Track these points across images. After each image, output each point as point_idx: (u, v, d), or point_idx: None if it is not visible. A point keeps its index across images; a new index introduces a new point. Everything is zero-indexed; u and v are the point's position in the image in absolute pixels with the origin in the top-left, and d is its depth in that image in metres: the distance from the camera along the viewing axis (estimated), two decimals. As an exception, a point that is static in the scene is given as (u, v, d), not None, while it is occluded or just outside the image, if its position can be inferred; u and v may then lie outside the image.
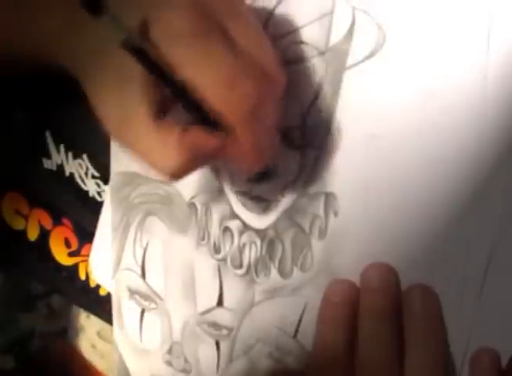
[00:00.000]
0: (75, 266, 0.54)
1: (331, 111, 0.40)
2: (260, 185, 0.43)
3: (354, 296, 0.38)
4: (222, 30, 0.34)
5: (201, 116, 0.35)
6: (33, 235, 0.56)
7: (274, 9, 0.41)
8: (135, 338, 0.51)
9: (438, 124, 0.36)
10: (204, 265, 0.46)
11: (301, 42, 0.40)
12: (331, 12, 0.39)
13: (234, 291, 0.45)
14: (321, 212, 0.41)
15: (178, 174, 0.37)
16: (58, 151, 0.54)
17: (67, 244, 0.54)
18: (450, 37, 0.36)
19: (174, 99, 0.36)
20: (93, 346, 0.56)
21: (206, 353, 0.47)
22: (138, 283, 0.49)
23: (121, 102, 0.35)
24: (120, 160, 0.49)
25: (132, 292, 0.50)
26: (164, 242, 0.48)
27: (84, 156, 0.53)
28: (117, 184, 0.50)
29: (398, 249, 0.38)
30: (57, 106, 0.52)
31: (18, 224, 0.56)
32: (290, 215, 0.42)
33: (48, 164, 0.54)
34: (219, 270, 0.45)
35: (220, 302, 0.45)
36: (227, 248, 0.45)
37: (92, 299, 0.53)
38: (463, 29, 0.36)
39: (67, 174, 0.54)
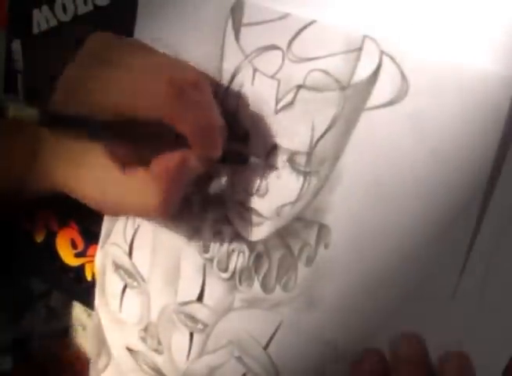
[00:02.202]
0: (81, 267, 0.55)
1: (340, 147, 0.40)
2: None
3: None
4: None
5: (149, 139, 0.37)
6: (39, 236, 0.57)
7: (301, 31, 0.40)
8: (114, 307, 0.52)
9: (440, 180, 0.37)
10: (191, 260, 0.47)
11: (324, 71, 0.40)
12: (359, 50, 0.38)
13: (215, 292, 0.46)
14: (312, 241, 0.41)
15: (163, 208, 0.38)
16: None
17: (73, 245, 0.55)
18: (467, 109, 0.35)
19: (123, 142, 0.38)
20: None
21: (179, 341, 0.49)
22: (123, 260, 0.50)
23: (92, 176, 0.38)
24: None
25: (117, 267, 0.51)
26: (155, 228, 0.48)
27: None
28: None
29: (381, 292, 0.39)
30: None
31: (25, 226, 0.57)
32: (282, 234, 0.43)
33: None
34: (204, 269, 0.46)
35: (200, 298, 0.47)
36: (215, 250, 0.45)
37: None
38: (482, 105, 0.35)
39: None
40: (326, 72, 0.40)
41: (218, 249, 0.45)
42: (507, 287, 0.36)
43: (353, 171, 0.40)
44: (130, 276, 0.50)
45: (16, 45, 0.57)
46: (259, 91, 0.42)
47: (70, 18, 0.52)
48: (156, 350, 0.50)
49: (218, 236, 0.45)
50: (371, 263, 0.40)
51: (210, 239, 0.46)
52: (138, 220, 0.49)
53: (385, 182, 0.39)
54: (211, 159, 0.39)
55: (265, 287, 0.43)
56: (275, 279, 0.43)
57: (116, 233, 0.51)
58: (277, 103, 0.41)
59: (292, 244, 0.42)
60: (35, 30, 0.55)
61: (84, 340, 0.58)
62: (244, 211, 0.44)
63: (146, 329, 0.50)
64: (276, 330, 0.43)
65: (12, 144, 0.40)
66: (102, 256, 0.52)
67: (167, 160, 0.37)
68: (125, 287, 0.51)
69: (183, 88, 0.37)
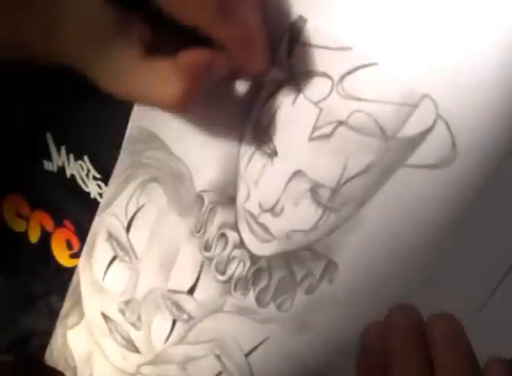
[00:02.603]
0: (76, 267, 0.54)
1: (369, 193, 0.40)
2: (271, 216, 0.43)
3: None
4: None
5: (186, 36, 0.36)
6: (34, 237, 0.56)
7: (358, 68, 0.39)
8: (98, 274, 0.53)
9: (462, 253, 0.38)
10: (189, 254, 0.47)
11: (370, 115, 0.39)
12: (415, 107, 0.38)
13: (208, 290, 0.47)
14: (317, 273, 0.42)
15: (182, 100, 0.36)
16: (59, 153, 0.53)
17: (69, 245, 0.54)
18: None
19: (160, 32, 0.36)
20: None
21: (160, 324, 0.49)
22: (119, 233, 0.50)
23: (110, 55, 0.36)
24: (143, 116, 0.48)
25: (111, 237, 0.51)
26: (159, 212, 0.48)
27: (86, 157, 0.53)
28: (133, 136, 0.49)
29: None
30: (58, 107, 0.51)
31: (19, 226, 0.56)
32: (288, 258, 0.43)
33: (48, 166, 0.54)
34: (202, 265, 0.47)
35: (191, 291, 0.47)
36: (217, 251, 0.46)
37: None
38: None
39: (68, 176, 0.54)
40: (372, 117, 0.39)
41: (219, 251, 0.45)
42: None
43: (375, 220, 0.40)
44: (122, 250, 0.50)
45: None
46: (298, 113, 0.42)
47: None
48: (133, 324, 0.50)
49: (222, 238, 0.45)
50: (373, 309, 0.40)
51: (214, 239, 0.45)
52: (144, 199, 0.49)
53: (404, 238, 0.39)
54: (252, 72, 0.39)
55: (259, 301, 0.44)
56: (271, 296, 0.44)
57: (118, 205, 0.50)
58: (313, 131, 0.41)
59: (296, 270, 0.43)
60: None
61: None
62: (254, 223, 0.44)
63: (127, 303, 0.51)
64: (261, 343, 0.44)
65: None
66: (98, 222, 0.52)
67: (196, 55, 0.36)
68: (114, 258, 0.51)
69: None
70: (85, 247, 0.53)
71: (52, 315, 0.57)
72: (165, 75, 0.36)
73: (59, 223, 0.55)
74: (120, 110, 0.48)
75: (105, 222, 0.51)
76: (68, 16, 0.36)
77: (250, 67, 0.39)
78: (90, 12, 0.36)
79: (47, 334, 0.58)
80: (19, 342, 0.59)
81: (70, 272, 0.54)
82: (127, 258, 0.50)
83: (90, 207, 0.53)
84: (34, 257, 0.56)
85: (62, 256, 0.55)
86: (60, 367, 0.56)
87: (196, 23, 0.35)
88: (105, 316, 0.52)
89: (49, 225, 0.54)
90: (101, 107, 0.49)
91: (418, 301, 0.38)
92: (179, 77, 0.36)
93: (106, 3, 0.35)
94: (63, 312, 0.56)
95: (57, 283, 0.55)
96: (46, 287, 0.57)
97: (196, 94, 0.37)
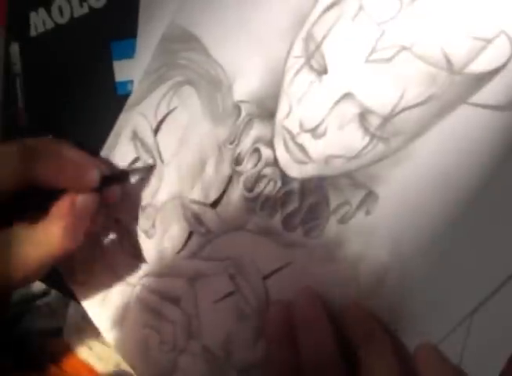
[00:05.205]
0: None
1: (423, 127, 0.38)
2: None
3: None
4: None
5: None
6: None
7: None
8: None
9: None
10: (218, 166, 0.45)
11: (438, 45, 0.36)
12: (488, 42, 0.35)
13: (232, 206, 0.45)
14: (354, 203, 0.40)
15: (70, 240, 0.43)
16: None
17: None
18: None
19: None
20: (90, 348, 0.56)
21: (176, 234, 0.48)
22: (146, 134, 0.48)
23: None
24: (182, 14, 0.45)
25: (136, 137, 0.48)
26: (191, 118, 0.46)
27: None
28: (170, 34, 0.46)
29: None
30: (59, 109, 0.54)
31: None
32: (322, 182, 0.41)
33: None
34: (229, 179, 0.44)
35: (214, 205, 0.45)
36: (248, 167, 0.43)
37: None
38: None
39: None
40: (440, 47, 0.36)
41: (250, 166, 0.43)
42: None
43: (426, 156, 0.38)
44: (147, 152, 0.48)
45: (14, 48, 0.59)
46: (357, 31, 0.39)
47: (67, 20, 0.54)
48: (146, 232, 0.49)
49: (254, 153, 0.43)
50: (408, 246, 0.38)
51: (246, 152, 0.43)
52: (176, 102, 0.46)
53: (454, 180, 0.37)
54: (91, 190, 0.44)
55: (286, 224, 0.42)
56: (299, 221, 0.42)
57: (147, 104, 0.48)
58: (372, 52, 0.38)
59: (331, 197, 0.41)
60: (32, 33, 0.57)
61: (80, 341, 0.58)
62: (291, 142, 0.41)
63: (143, 208, 0.49)
64: (282, 268, 0.43)
65: None
66: (123, 119, 0.49)
67: (61, 205, 0.43)
68: (136, 159, 0.49)
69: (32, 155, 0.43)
70: (105, 147, 0.50)
71: (52, 315, 0.59)
72: (47, 231, 0.42)
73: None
74: (121, 111, 0.49)
75: (131, 121, 0.49)
76: None
77: (86, 187, 0.44)
78: None
79: (47, 334, 0.59)
80: (19, 342, 0.59)
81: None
82: (151, 161, 0.47)
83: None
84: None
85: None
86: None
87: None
88: (116, 220, 0.50)
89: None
90: (101, 108, 0.51)
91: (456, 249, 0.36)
92: (58, 226, 0.42)
93: None
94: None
95: (60, 282, 0.55)
96: (46, 287, 0.59)
97: (77, 231, 0.43)
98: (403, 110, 0.37)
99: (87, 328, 0.56)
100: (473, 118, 0.36)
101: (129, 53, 0.47)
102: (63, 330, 0.57)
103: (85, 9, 0.51)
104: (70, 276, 0.53)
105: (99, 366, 0.56)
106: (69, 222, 0.43)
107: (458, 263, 0.36)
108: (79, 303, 0.54)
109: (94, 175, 0.44)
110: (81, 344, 0.57)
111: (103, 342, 0.55)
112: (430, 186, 0.37)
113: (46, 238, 0.42)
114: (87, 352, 0.57)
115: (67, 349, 0.57)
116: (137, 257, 0.49)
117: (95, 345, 0.56)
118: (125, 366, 0.51)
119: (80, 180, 0.44)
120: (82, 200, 0.44)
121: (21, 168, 0.42)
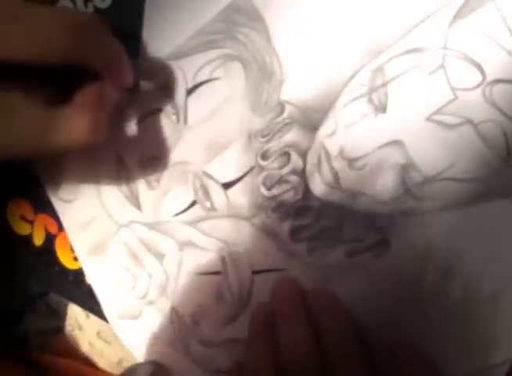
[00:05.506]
0: (80, 270, 0.53)
1: (459, 204, 0.38)
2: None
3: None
4: None
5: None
6: (38, 240, 0.54)
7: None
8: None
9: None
10: (243, 152, 0.44)
11: (505, 133, 0.36)
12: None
13: (245, 195, 0.45)
14: (366, 243, 0.41)
15: (95, 134, 0.39)
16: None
17: (72, 248, 0.52)
18: None
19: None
20: (91, 345, 0.54)
21: (178, 196, 0.46)
22: (178, 90, 0.46)
23: (20, 123, 0.38)
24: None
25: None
26: (231, 96, 0.44)
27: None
28: (238, 6, 0.44)
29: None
30: None
31: (24, 229, 0.55)
32: (343, 212, 0.41)
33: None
34: (250, 170, 0.44)
35: (226, 186, 0.45)
36: (273, 165, 0.43)
37: (98, 302, 0.52)
38: None
39: (72, 177, 0.51)
40: (506, 136, 0.37)
41: (275, 166, 0.43)
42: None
43: (448, 231, 0.39)
44: (173, 107, 0.46)
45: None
46: (429, 86, 0.39)
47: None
48: (149, 182, 0.48)
49: (283, 156, 0.43)
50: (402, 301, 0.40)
51: (275, 152, 0.43)
52: (220, 73, 0.45)
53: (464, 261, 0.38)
54: (124, 85, 0.42)
55: (293, 234, 0.43)
56: (307, 236, 0.43)
57: (190, 62, 0.45)
58: (437, 112, 0.39)
59: (346, 228, 0.42)
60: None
61: (82, 339, 0.58)
62: (327, 163, 0.42)
63: (151, 158, 0.48)
64: (274, 271, 0.44)
65: None
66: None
67: (89, 93, 0.39)
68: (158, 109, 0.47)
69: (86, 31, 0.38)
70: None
71: (52, 315, 0.58)
72: (69, 121, 0.38)
73: (63, 226, 0.53)
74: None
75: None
76: None
77: (122, 82, 0.41)
78: None
79: (47, 334, 0.58)
80: (19, 342, 0.58)
81: (74, 274, 0.53)
82: (174, 118, 0.46)
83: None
84: (38, 259, 0.55)
85: (66, 259, 0.54)
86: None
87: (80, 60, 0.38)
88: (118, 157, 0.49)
89: (53, 228, 0.53)
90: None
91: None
92: (82, 117, 0.38)
93: None
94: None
95: (61, 285, 0.54)
96: (47, 287, 0.57)
97: (103, 124, 0.39)
98: (447, 179, 0.38)
99: (87, 326, 0.56)
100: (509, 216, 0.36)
101: (134, 54, 0.45)
102: (64, 328, 0.57)
103: (90, 10, 0.48)
104: (55, 191, 0.52)
105: (101, 363, 0.57)
106: (97, 114, 0.39)
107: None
108: (81, 307, 0.55)
109: (131, 76, 0.42)
110: (81, 341, 0.57)
111: (105, 339, 0.55)
112: (441, 258, 0.38)
113: (68, 126, 0.38)
114: (88, 350, 0.57)
115: (68, 347, 0.58)
116: (131, 200, 0.48)
117: (96, 342, 0.56)
118: (128, 363, 0.52)
119: (120, 75, 0.41)
120: (114, 94, 0.41)
121: (72, 45, 0.37)
